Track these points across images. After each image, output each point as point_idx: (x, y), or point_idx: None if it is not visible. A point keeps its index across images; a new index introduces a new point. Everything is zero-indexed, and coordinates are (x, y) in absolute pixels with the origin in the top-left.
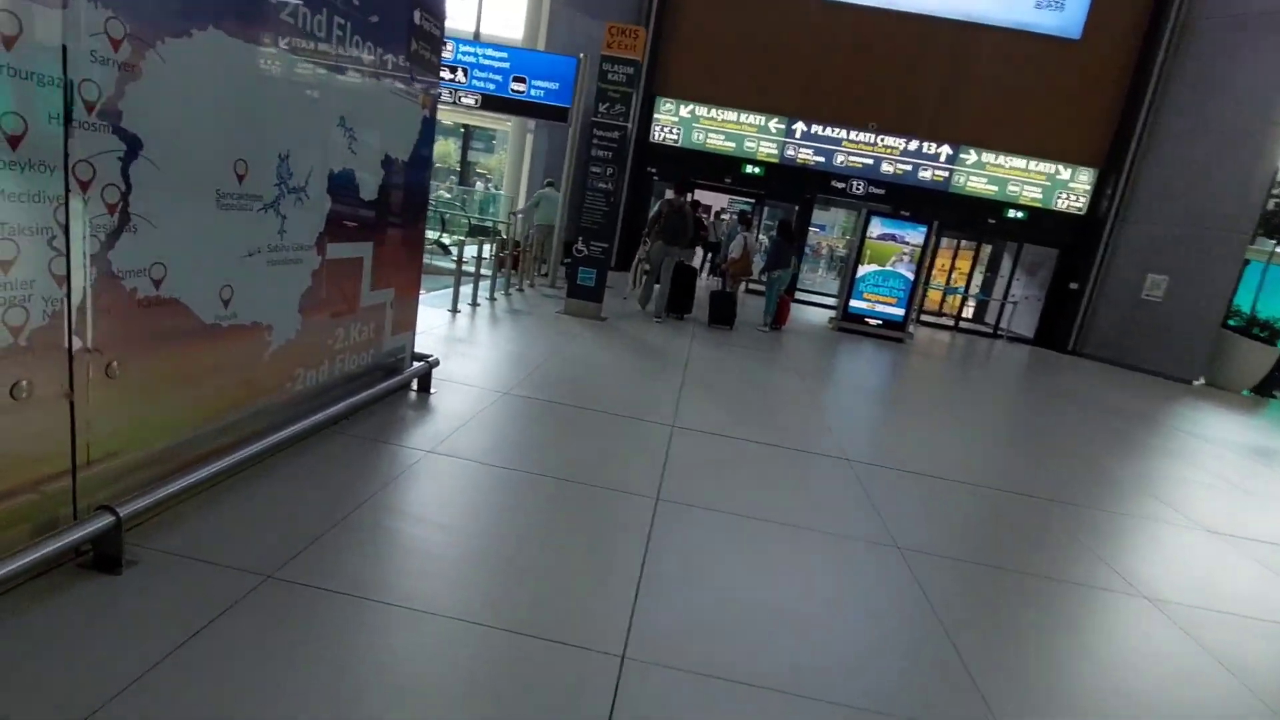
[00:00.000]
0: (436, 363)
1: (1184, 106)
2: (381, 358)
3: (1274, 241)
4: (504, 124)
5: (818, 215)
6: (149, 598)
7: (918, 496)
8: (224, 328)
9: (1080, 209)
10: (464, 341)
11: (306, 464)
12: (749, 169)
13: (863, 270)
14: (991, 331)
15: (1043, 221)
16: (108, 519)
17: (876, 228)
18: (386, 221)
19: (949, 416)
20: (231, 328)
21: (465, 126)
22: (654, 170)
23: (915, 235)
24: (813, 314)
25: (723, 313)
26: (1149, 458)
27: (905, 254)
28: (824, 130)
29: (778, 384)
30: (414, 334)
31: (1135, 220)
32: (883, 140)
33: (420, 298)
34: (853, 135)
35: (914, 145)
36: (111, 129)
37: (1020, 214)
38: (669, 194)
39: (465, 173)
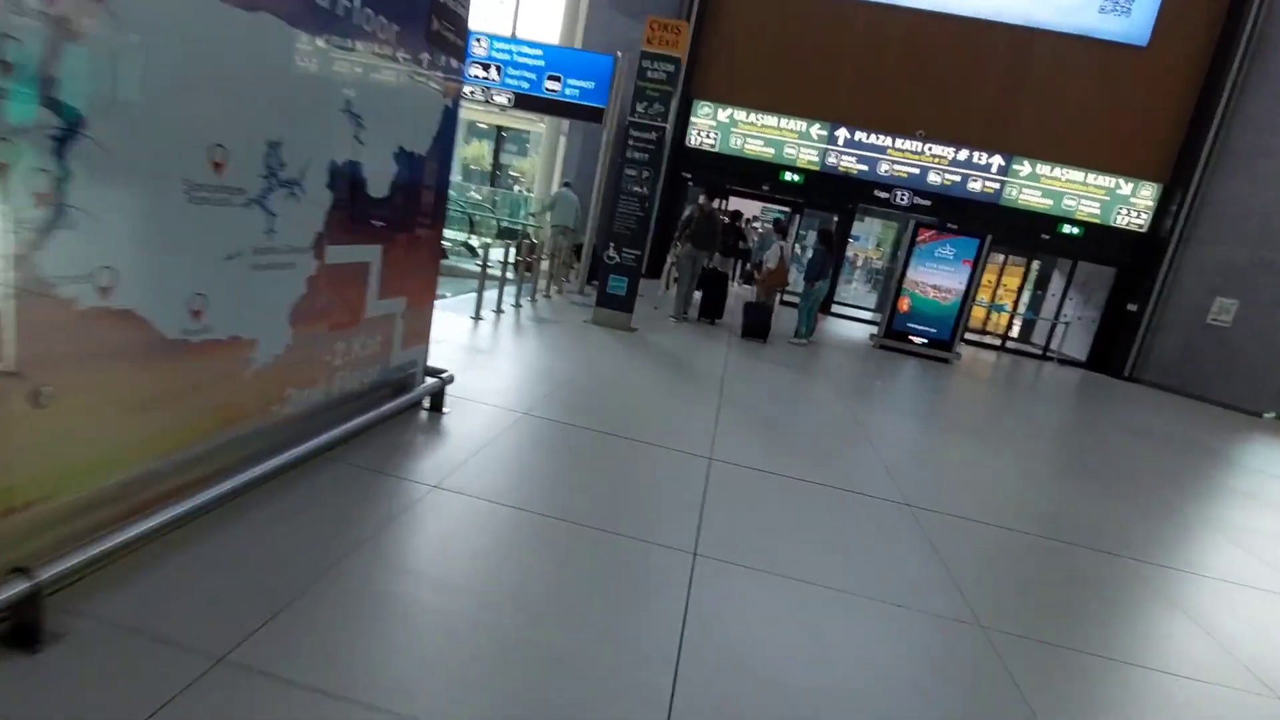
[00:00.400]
0: (451, 379)
1: (1260, 119)
2: (389, 374)
3: None
4: (538, 125)
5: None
6: (61, 687)
7: (996, 556)
8: (193, 343)
9: (1141, 226)
10: (484, 352)
11: (291, 501)
12: (788, 176)
13: (908, 287)
14: (1040, 353)
15: (1100, 238)
16: (20, 585)
17: (924, 240)
18: (398, 222)
19: (1014, 453)
20: (204, 343)
21: (498, 128)
22: (689, 176)
23: (966, 250)
24: (849, 329)
25: (757, 325)
26: (1251, 509)
27: (952, 270)
28: (868, 137)
29: (822, 409)
30: (427, 347)
31: (1202, 240)
32: (930, 149)
33: (443, 303)
34: (899, 143)
35: (964, 155)
36: (41, 100)
37: (1076, 230)
38: (701, 199)
39: (497, 175)
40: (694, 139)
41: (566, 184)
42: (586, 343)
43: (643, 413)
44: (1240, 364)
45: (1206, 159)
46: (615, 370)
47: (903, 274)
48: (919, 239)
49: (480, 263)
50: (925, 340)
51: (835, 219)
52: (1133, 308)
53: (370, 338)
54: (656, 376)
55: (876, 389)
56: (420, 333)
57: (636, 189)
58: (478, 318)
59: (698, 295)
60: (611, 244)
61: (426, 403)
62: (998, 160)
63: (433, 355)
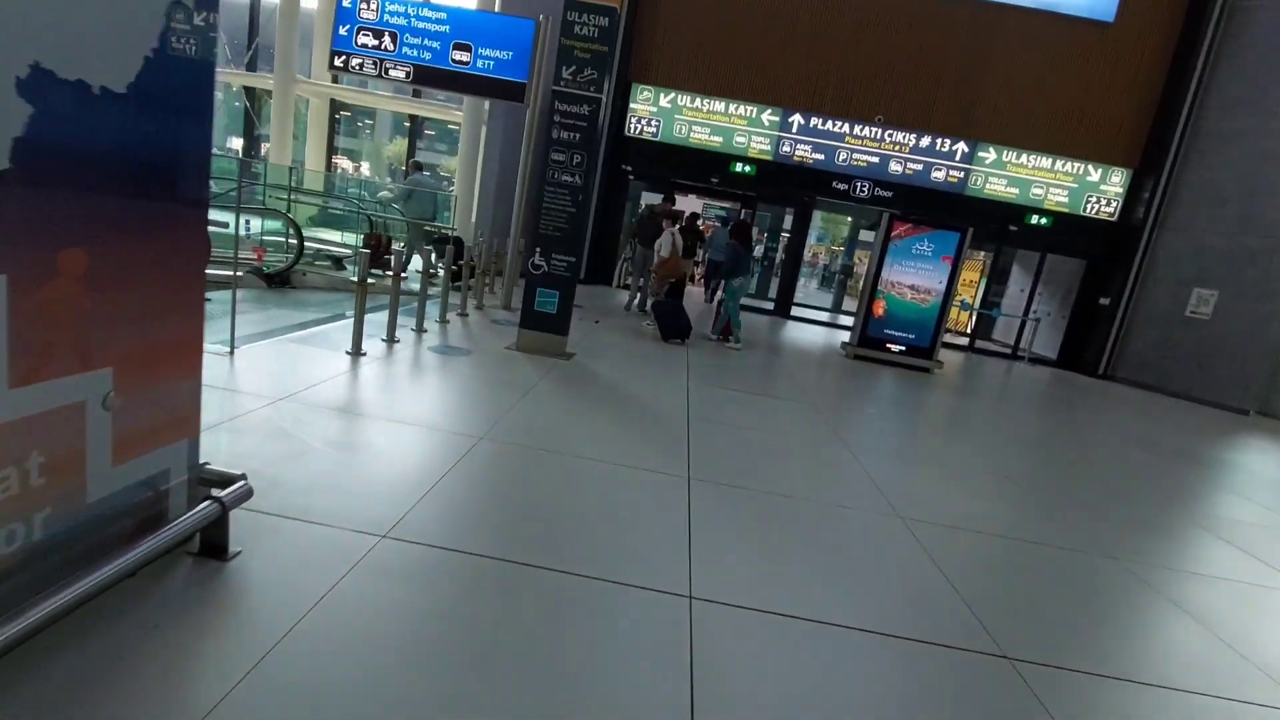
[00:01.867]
0: (247, 493)
1: (1234, 98)
2: (84, 514)
3: None
4: (457, 113)
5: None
6: None
7: None
8: None
9: (1112, 215)
10: (344, 417)
11: None
12: (738, 167)
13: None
14: (1011, 352)
15: (1069, 228)
16: None
17: (898, 235)
18: (84, 221)
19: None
20: None
21: (412, 119)
22: (629, 169)
23: (945, 245)
24: (812, 335)
25: (675, 324)
26: None
27: (931, 268)
28: (824, 124)
29: (825, 464)
30: (191, 446)
31: (1177, 228)
32: (891, 136)
33: (308, 335)
34: (857, 130)
35: (926, 142)
36: None
37: (1044, 220)
38: (654, 204)
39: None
40: (633, 127)
41: (417, 165)
42: (505, 382)
43: (580, 510)
44: (1222, 358)
45: (1179, 142)
46: (541, 426)
47: (877, 274)
48: (894, 234)
49: (354, 277)
50: (903, 348)
51: (792, 211)
52: (1105, 301)
53: (9, 456)
54: (598, 431)
55: (871, 418)
56: (174, 423)
57: (566, 178)
58: (357, 353)
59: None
60: (537, 249)
61: (200, 542)
62: (961, 147)
63: (251, 432)
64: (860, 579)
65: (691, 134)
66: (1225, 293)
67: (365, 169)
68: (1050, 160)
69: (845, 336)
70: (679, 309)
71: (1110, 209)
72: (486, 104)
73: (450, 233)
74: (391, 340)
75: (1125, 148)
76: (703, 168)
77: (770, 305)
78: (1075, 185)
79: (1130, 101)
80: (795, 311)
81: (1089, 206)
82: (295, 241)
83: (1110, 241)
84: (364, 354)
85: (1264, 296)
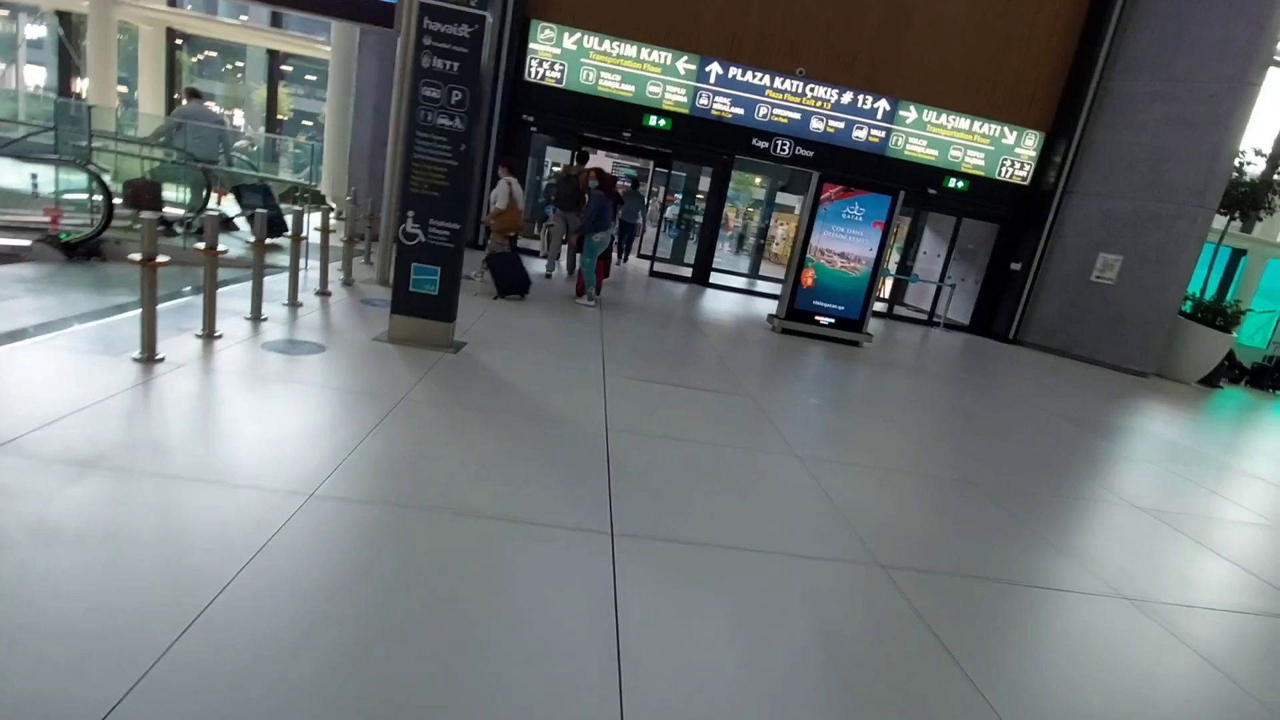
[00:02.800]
0: None
1: (1144, 62)
2: None
3: (1229, 218)
4: (325, 48)
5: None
6: None
7: None
8: None
9: (1024, 179)
10: (90, 472)
11: None
12: (652, 120)
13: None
14: (927, 318)
15: (984, 193)
16: None
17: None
18: None
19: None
20: None
21: (273, 53)
22: (530, 118)
23: (876, 209)
24: (734, 305)
25: (512, 279)
26: None
27: (861, 234)
28: (744, 75)
29: (783, 491)
30: None
31: (1086, 192)
32: (812, 90)
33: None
34: (778, 83)
35: (848, 98)
36: None
37: (961, 184)
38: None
39: (278, 118)
40: (534, 71)
41: (193, 93)
42: (364, 392)
43: (449, 631)
44: (1125, 322)
45: (1089, 105)
46: (406, 464)
47: (805, 241)
48: (824, 196)
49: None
50: (833, 320)
51: (711, 171)
52: (1016, 267)
53: None
54: (488, 462)
55: (818, 412)
56: None
57: (443, 120)
58: (149, 359)
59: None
60: (410, 213)
61: None
62: (883, 105)
63: None
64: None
65: (600, 81)
66: (1129, 257)
67: (239, 118)
68: (969, 121)
69: (766, 306)
70: (516, 262)
71: (1024, 173)
72: (358, 34)
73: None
74: (210, 335)
75: (1039, 110)
76: (613, 120)
77: (687, 272)
78: (991, 148)
79: (1045, 62)
80: (714, 278)
81: (1003, 170)
82: (112, 202)
83: (1022, 206)
84: (160, 359)
85: (1165, 262)
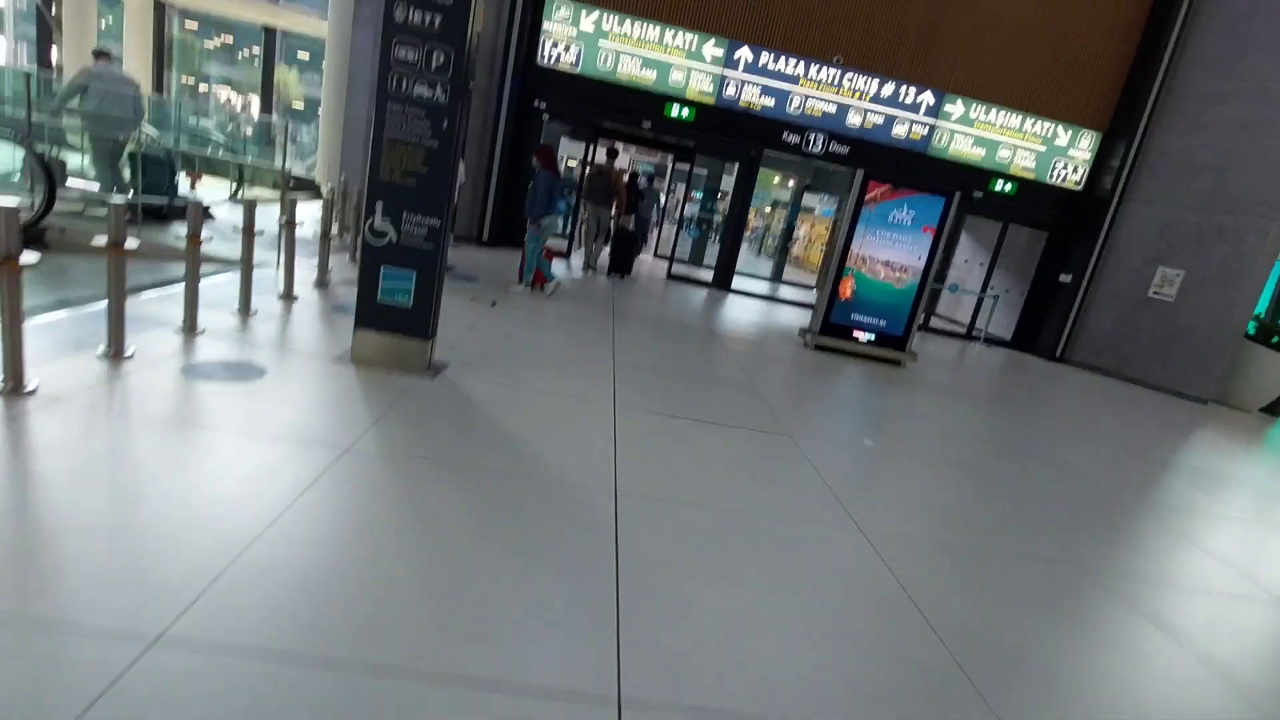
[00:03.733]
0: None
1: (1213, 60)
2: None
3: None
4: (322, 23)
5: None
6: None
7: None
8: None
9: (1078, 183)
10: None
11: None
12: (675, 110)
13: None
14: (965, 332)
15: (1033, 197)
16: None
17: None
18: None
19: None
20: None
21: (267, 30)
22: (543, 105)
23: (928, 212)
24: (760, 314)
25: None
26: None
27: (909, 240)
28: (776, 62)
29: (856, 593)
30: None
31: (1146, 200)
32: (850, 80)
33: None
34: (813, 71)
35: (889, 90)
36: None
37: (1009, 187)
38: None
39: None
40: (548, 54)
41: (101, 54)
42: (299, 438)
43: None
44: (1184, 344)
45: (1152, 104)
46: (332, 551)
47: (845, 247)
48: (868, 197)
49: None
50: (872, 336)
51: (735, 167)
52: (1066, 279)
53: None
54: (453, 555)
55: (868, 454)
56: None
57: (421, 90)
58: (12, 390)
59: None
60: (378, 204)
61: None
62: (927, 98)
63: None
64: None
65: (620, 67)
66: (1191, 272)
67: (255, 104)
68: (1020, 119)
69: (793, 315)
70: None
71: (1077, 177)
72: (353, 7)
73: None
74: (117, 355)
75: (1096, 108)
76: (632, 109)
77: (707, 275)
78: (1043, 149)
79: (1105, 56)
80: (736, 282)
81: (1055, 173)
82: (53, 184)
83: (1074, 213)
84: (31, 390)
85: (1231, 278)
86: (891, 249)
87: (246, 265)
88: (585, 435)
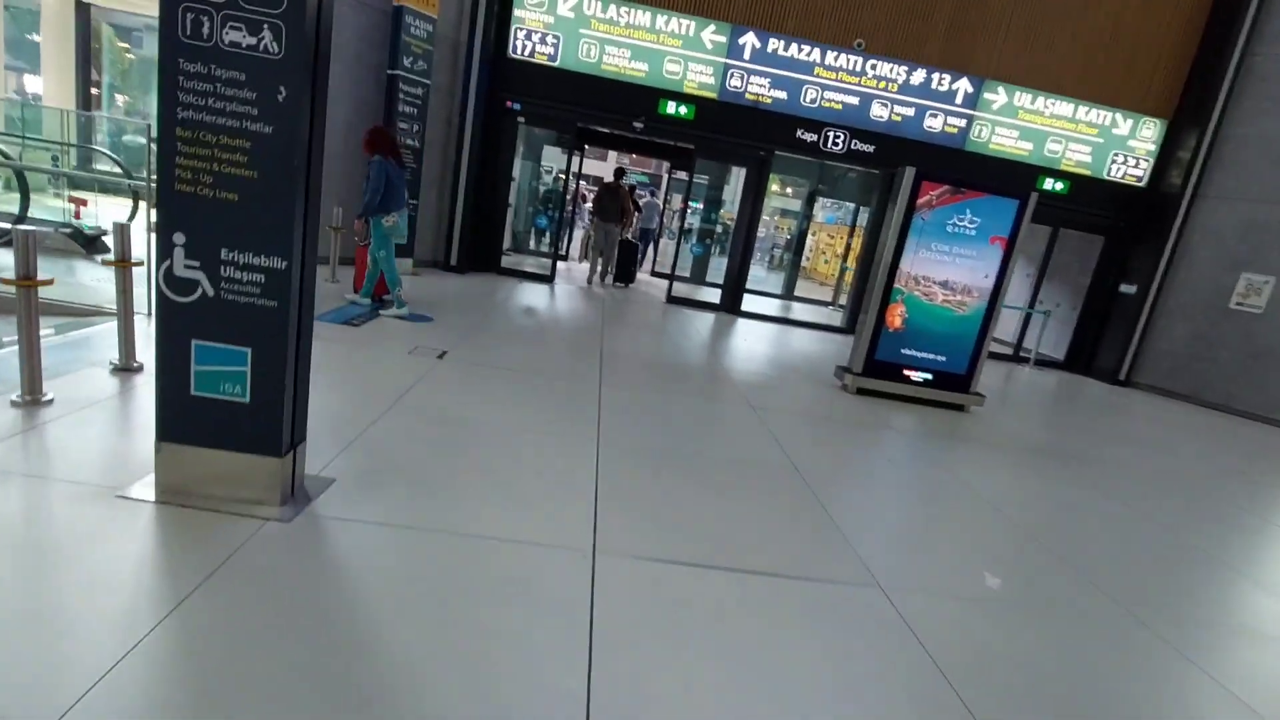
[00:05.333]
0: None
1: None
2: None
3: None
4: None
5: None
6: None
7: None
8: None
9: (1140, 179)
10: None
11: None
12: (670, 107)
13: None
14: (1013, 352)
15: (1088, 196)
16: None
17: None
18: None
19: None
20: None
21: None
22: (516, 105)
23: (998, 218)
24: (778, 343)
25: None
26: None
27: (974, 254)
28: (787, 49)
29: None
30: None
31: (1222, 196)
32: (874, 68)
33: None
34: (830, 59)
35: (919, 78)
36: None
37: (1060, 185)
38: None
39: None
40: (520, 45)
41: None
42: (10, 679)
43: None
44: (1276, 362)
45: (1229, 86)
46: None
47: (893, 265)
48: (921, 201)
49: None
50: (929, 375)
51: (742, 172)
52: (1129, 289)
53: None
54: None
55: (992, 588)
56: None
57: (237, 36)
58: None
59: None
60: (178, 236)
61: None
62: (964, 86)
63: None
64: None
65: (604, 59)
66: None
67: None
68: (1072, 106)
69: (811, 340)
70: None
71: (1139, 171)
72: None
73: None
74: None
75: (1160, 92)
76: (621, 106)
77: (713, 295)
78: (1099, 140)
79: (1170, 31)
80: (747, 302)
81: (1114, 168)
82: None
83: (1137, 213)
84: None
85: None
86: (951, 266)
87: (25, 330)
88: (542, 639)
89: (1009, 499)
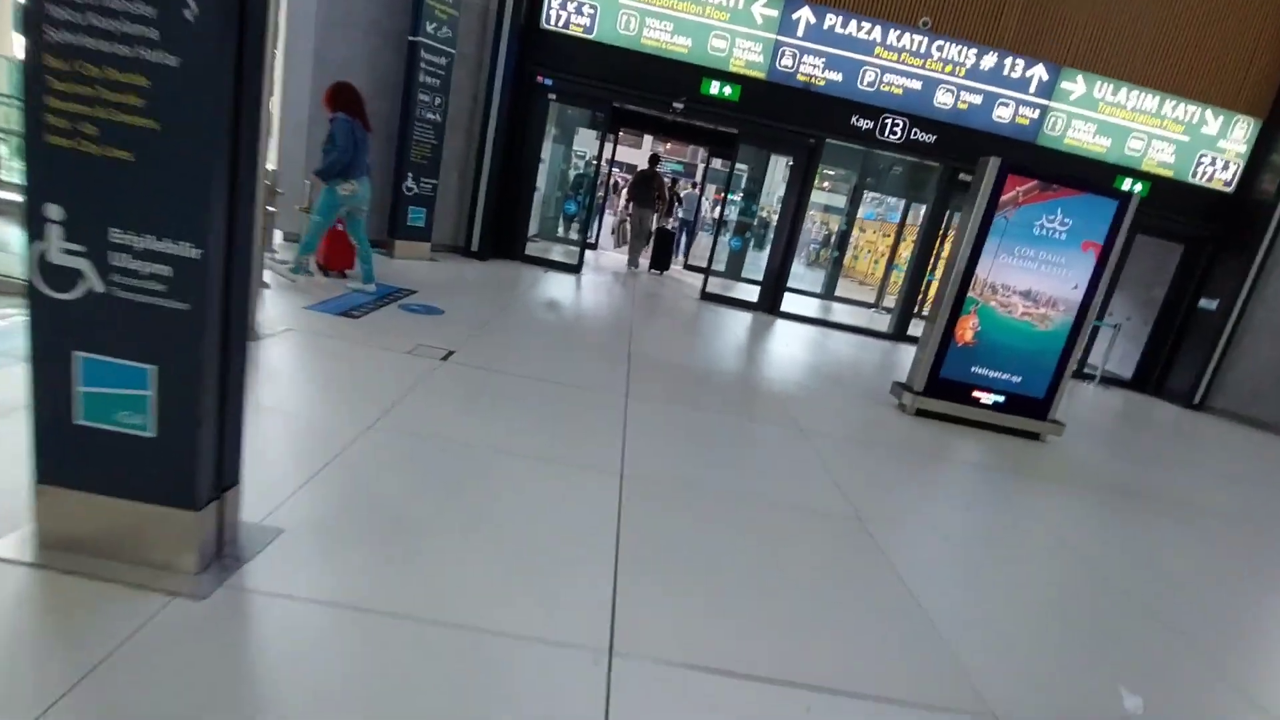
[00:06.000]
0: None
1: None
2: None
3: None
4: None
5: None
6: None
7: None
8: None
9: (1228, 183)
10: None
11: None
12: (714, 88)
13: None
14: (1077, 369)
15: (1168, 200)
16: None
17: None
18: None
19: None
20: None
21: None
22: (548, 81)
23: (1093, 220)
24: (822, 349)
25: None
26: None
27: (1061, 259)
28: (844, 26)
29: None
30: None
31: None
32: (940, 50)
33: None
34: (892, 38)
35: (989, 62)
36: None
37: (1140, 186)
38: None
39: None
40: (554, 14)
41: None
42: None
43: None
44: None
45: None
46: None
47: (968, 270)
48: (1005, 197)
49: None
50: (1001, 398)
51: (788, 161)
52: (1210, 305)
53: None
54: None
55: None
56: None
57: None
58: None
59: None
60: (53, 209)
61: None
62: (1039, 73)
63: None
64: None
65: (645, 32)
66: None
67: None
68: (1157, 100)
69: (855, 344)
70: None
71: (1227, 175)
72: None
73: None
74: None
75: (1254, 86)
76: (661, 86)
77: (750, 294)
78: (1185, 139)
79: (1269, 18)
80: (787, 302)
81: (1200, 170)
82: None
83: (1222, 220)
84: None
85: None
86: (1036, 274)
87: None
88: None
89: (1133, 571)
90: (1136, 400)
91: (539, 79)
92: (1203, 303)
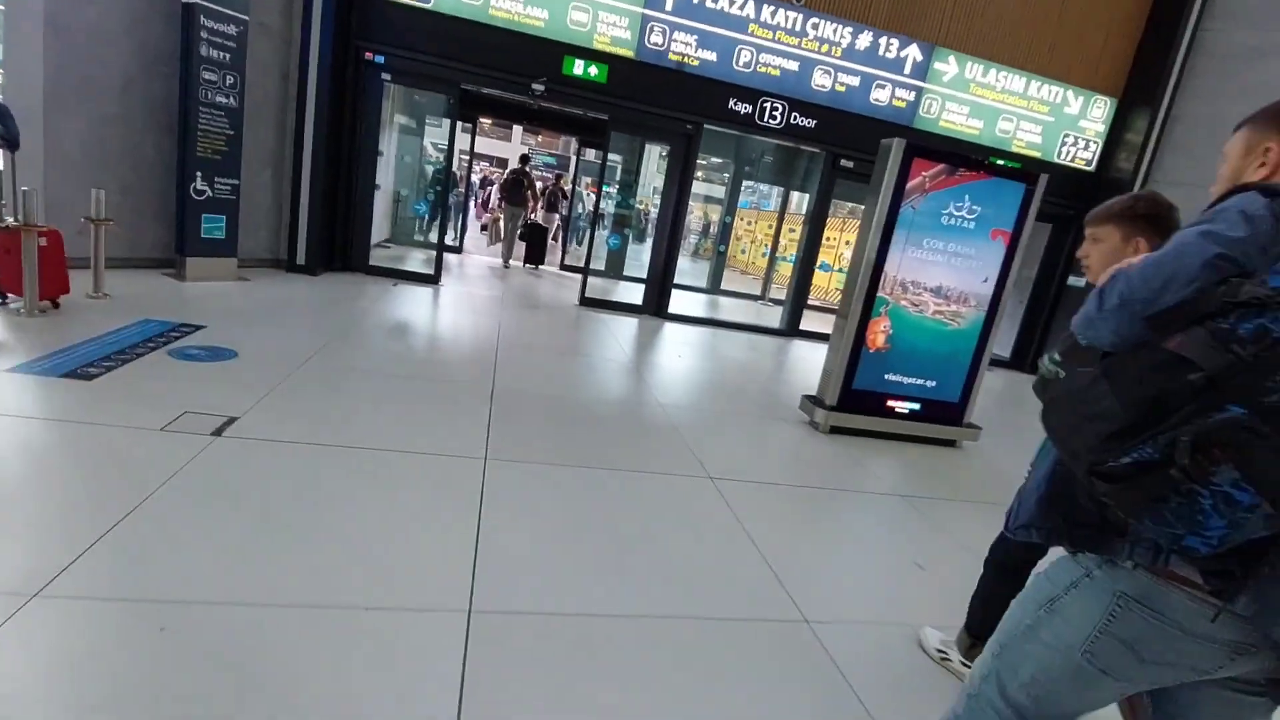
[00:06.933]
0: None
1: (1255, 5)
2: None
3: None
4: None
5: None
6: None
7: None
8: None
9: (1088, 162)
10: None
11: None
12: (577, 67)
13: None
14: None
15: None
16: None
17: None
18: None
19: None
20: None
21: None
22: (379, 56)
23: (1001, 207)
24: (715, 356)
25: None
26: None
27: (972, 251)
28: (714, 2)
29: None
30: None
31: (1171, 182)
32: (816, 28)
33: None
34: (766, 15)
35: (865, 41)
36: None
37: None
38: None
39: None
40: None
41: None
42: None
43: None
44: None
45: (1181, 63)
46: None
47: (877, 268)
48: (911, 185)
49: None
50: (917, 405)
51: (665, 149)
52: (1079, 281)
53: None
54: None
55: None
56: None
57: None
58: None
59: None
60: None
61: None
62: (913, 53)
63: None
64: None
65: (492, 2)
66: None
67: None
68: (1024, 81)
69: (748, 344)
70: None
71: (1088, 154)
72: None
73: None
74: None
75: (1109, 68)
76: (517, 66)
77: (634, 294)
78: (1050, 119)
79: (1118, 3)
80: (674, 302)
81: (1064, 150)
82: None
83: (1086, 199)
84: None
85: None
86: (946, 268)
87: None
88: None
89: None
90: (1019, 381)
91: (368, 56)
92: (1071, 280)
